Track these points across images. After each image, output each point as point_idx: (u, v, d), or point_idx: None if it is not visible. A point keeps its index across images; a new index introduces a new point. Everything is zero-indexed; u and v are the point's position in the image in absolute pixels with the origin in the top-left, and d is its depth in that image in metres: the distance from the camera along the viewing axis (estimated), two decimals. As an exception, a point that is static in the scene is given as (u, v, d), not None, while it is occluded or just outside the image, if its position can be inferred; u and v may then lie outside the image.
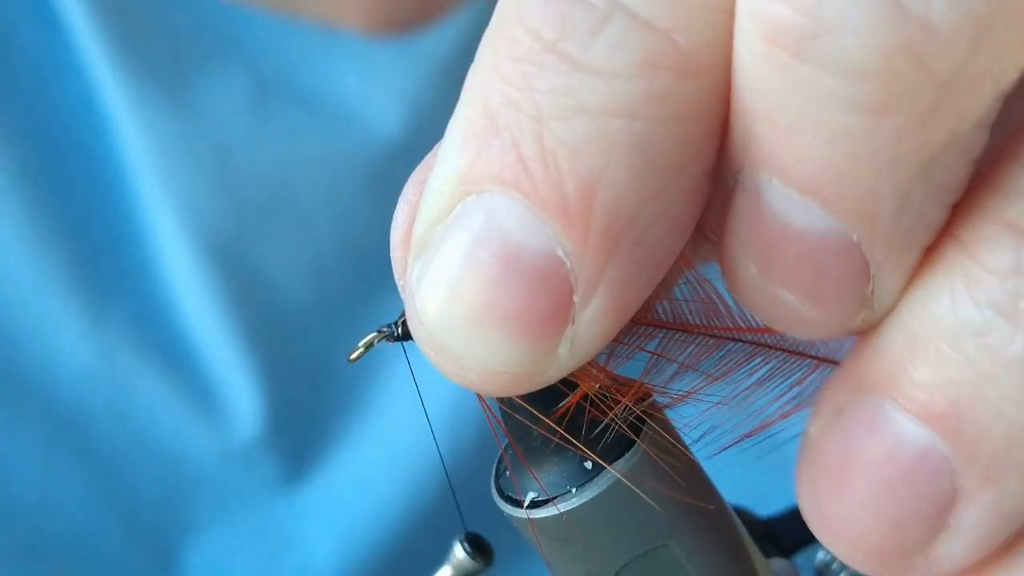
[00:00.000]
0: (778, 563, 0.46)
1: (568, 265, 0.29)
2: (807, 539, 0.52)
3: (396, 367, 0.70)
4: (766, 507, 0.51)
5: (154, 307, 0.71)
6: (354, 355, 0.40)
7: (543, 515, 0.38)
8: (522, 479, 0.38)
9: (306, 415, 0.74)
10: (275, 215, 0.72)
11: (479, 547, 0.43)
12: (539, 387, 0.32)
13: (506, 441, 0.39)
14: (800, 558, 0.49)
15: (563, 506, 0.38)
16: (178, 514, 0.73)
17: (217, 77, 0.71)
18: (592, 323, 0.30)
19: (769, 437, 0.38)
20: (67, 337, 0.69)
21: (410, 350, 0.39)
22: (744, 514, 0.46)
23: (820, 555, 0.46)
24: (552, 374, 0.31)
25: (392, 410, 0.72)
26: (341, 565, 0.75)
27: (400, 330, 0.39)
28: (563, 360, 0.30)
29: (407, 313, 0.31)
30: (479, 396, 0.36)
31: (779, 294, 0.30)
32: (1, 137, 0.69)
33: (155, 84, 0.70)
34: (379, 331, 0.40)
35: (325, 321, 0.72)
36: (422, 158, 0.63)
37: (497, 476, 0.41)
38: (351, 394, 0.73)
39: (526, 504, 0.39)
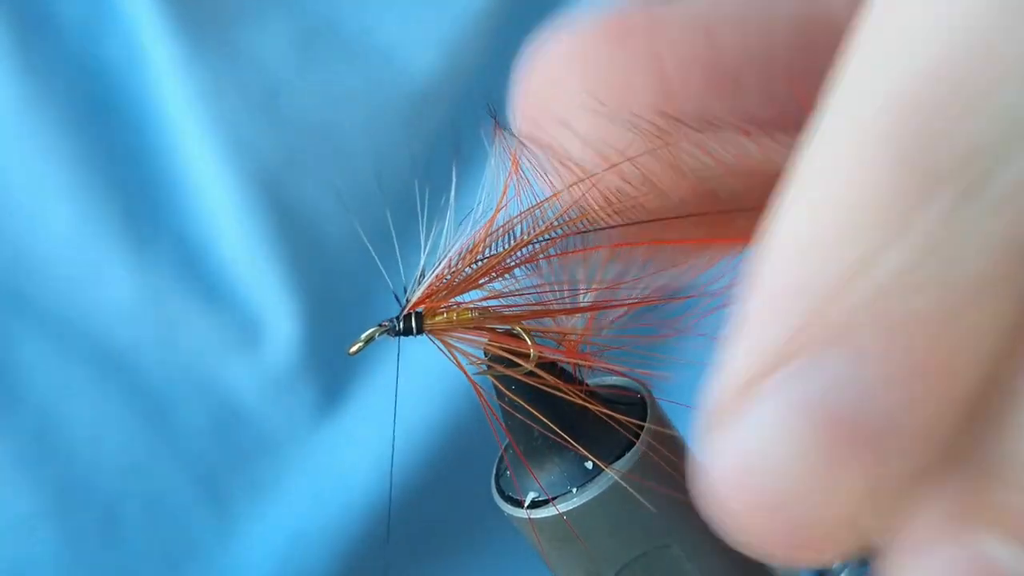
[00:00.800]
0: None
1: None
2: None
3: None
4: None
5: (198, 244, 0.74)
6: (353, 348, 0.40)
7: (544, 515, 0.38)
8: (523, 479, 0.39)
9: (344, 344, 0.76)
10: (316, 153, 0.75)
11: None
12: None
13: (506, 441, 0.39)
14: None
15: (563, 506, 0.38)
16: (224, 445, 0.75)
17: (262, 24, 0.74)
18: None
19: None
20: (115, 275, 0.72)
21: (405, 344, 0.40)
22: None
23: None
24: None
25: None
26: (378, 488, 0.77)
27: (401, 325, 0.40)
28: None
29: None
30: (480, 395, 0.36)
31: None
32: (51, 83, 0.72)
33: (203, 32, 0.73)
34: (380, 325, 0.40)
35: (363, 253, 0.75)
36: (456, 98, 0.62)
37: (498, 476, 0.41)
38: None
39: (526, 504, 0.39)
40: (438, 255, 0.39)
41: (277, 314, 0.75)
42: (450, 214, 0.39)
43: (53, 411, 0.73)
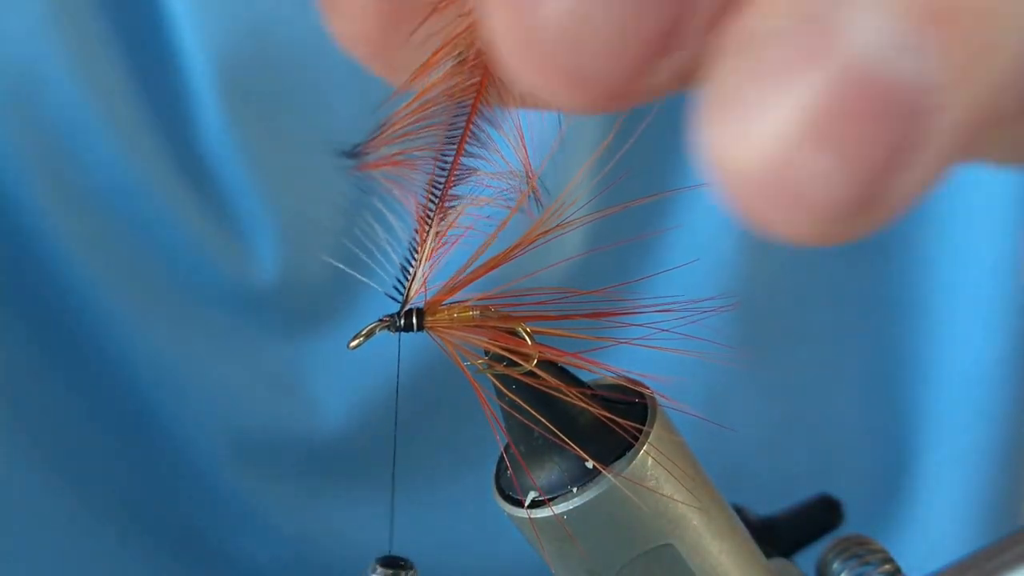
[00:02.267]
0: (778, 563, 0.46)
1: None
2: (807, 539, 0.52)
3: None
4: (766, 507, 0.51)
5: (187, 147, 0.75)
6: (354, 343, 0.40)
7: (544, 515, 0.38)
8: (522, 479, 0.39)
9: (322, 271, 0.77)
10: (304, 77, 0.75)
11: (395, 566, 0.42)
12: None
13: (506, 442, 0.39)
14: (800, 558, 0.49)
15: (564, 506, 0.38)
16: (187, 340, 0.77)
17: None
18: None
19: None
20: (107, 156, 0.73)
21: (403, 340, 0.40)
22: (744, 514, 0.46)
23: (820, 555, 0.46)
24: None
25: None
26: (345, 418, 0.77)
27: (401, 321, 0.40)
28: None
29: None
30: (481, 399, 0.36)
31: None
32: None
33: None
34: (380, 320, 0.40)
35: (347, 179, 0.76)
36: None
37: (498, 476, 0.41)
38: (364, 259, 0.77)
39: (527, 504, 0.39)
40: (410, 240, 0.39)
41: (257, 233, 0.75)
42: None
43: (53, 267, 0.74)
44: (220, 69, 0.74)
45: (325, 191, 0.76)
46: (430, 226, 0.38)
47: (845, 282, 0.86)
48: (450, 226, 0.38)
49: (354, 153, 0.37)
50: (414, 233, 0.39)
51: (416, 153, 0.37)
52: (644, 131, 0.44)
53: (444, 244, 0.39)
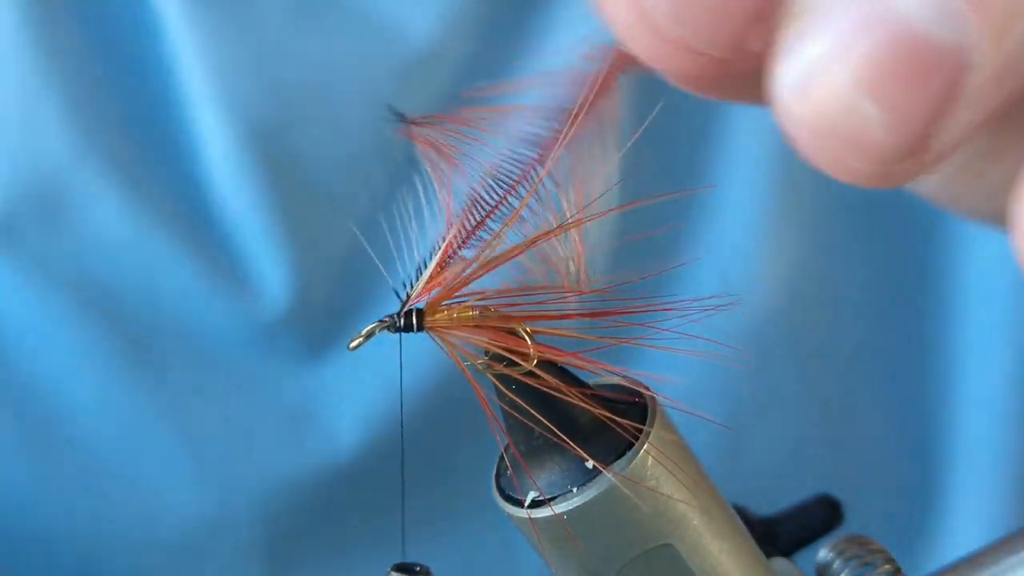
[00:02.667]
0: (778, 563, 0.46)
1: None
2: (807, 539, 0.52)
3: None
4: (766, 507, 0.51)
5: (191, 189, 0.75)
6: (354, 343, 0.40)
7: (545, 515, 0.38)
8: (522, 479, 0.39)
9: (331, 298, 0.77)
10: (312, 109, 0.75)
11: (410, 572, 0.42)
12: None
13: (506, 442, 0.39)
14: (800, 558, 0.49)
15: (564, 506, 0.38)
16: (200, 384, 0.76)
17: None
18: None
19: None
20: (105, 209, 0.73)
21: (404, 340, 0.40)
22: (744, 514, 0.46)
23: (820, 555, 0.46)
24: None
25: None
26: (362, 442, 0.77)
27: (401, 321, 0.40)
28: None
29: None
30: (481, 398, 0.36)
31: None
32: (50, 24, 0.72)
33: None
34: (381, 321, 0.40)
35: (354, 208, 0.75)
36: (452, 62, 0.67)
37: (498, 475, 0.41)
38: (375, 280, 0.76)
39: (527, 503, 0.39)
40: (432, 244, 0.39)
41: (267, 261, 0.75)
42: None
43: (27, 344, 0.73)
44: (226, 104, 0.73)
45: (336, 219, 0.76)
46: (458, 244, 0.39)
47: (872, 296, 0.86)
48: (481, 253, 0.39)
49: (404, 118, 0.38)
50: (439, 240, 0.39)
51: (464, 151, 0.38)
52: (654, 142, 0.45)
53: (462, 261, 0.39)
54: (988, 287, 0.85)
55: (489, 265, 0.39)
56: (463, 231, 0.39)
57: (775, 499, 0.52)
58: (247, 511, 0.77)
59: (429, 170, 0.39)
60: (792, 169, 0.80)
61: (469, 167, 0.39)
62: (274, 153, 0.74)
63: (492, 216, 0.38)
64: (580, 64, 0.38)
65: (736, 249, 0.80)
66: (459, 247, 0.39)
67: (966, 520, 0.86)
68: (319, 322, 0.77)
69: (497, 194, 0.38)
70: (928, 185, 0.47)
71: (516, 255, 0.39)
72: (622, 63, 0.37)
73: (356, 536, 0.79)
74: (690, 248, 0.79)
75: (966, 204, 0.47)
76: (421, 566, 0.41)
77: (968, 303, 0.85)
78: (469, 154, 0.38)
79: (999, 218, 0.34)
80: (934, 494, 0.87)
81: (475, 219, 0.39)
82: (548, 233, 0.39)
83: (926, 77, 0.30)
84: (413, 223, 0.39)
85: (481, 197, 0.38)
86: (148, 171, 0.74)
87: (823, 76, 0.30)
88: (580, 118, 0.38)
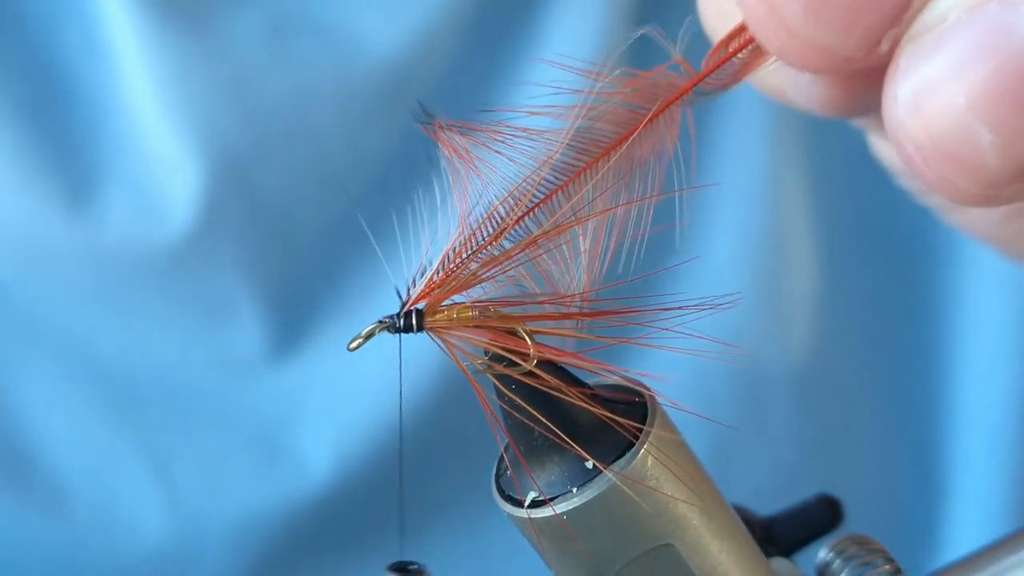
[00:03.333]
0: (779, 563, 0.46)
1: None
2: (807, 539, 0.52)
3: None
4: (766, 507, 0.51)
5: (159, 225, 0.74)
6: (353, 344, 0.40)
7: (544, 515, 0.38)
8: (522, 479, 0.39)
9: (306, 331, 0.77)
10: (288, 138, 0.74)
11: (405, 571, 0.42)
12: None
13: (506, 441, 0.39)
14: (800, 558, 0.49)
15: (564, 506, 0.38)
16: (171, 416, 0.75)
17: (236, 10, 0.73)
18: None
19: None
20: (68, 261, 0.72)
21: (403, 341, 0.40)
22: (744, 514, 0.46)
23: (820, 555, 0.46)
24: None
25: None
26: (337, 473, 0.77)
27: (401, 322, 0.40)
28: None
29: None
30: (481, 397, 0.36)
31: None
32: (6, 65, 0.71)
33: (176, 16, 0.72)
34: (380, 321, 0.40)
35: (329, 240, 0.75)
36: (429, 87, 0.65)
37: (498, 476, 0.41)
38: (353, 316, 0.76)
39: (527, 504, 0.39)
40: (433, 249, 0.39)
41: (240, 300, 0.75)
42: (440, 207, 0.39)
43: None
44: (197, 131, 0.73)
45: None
46: (466, 253, 0.39)
47: (876, 318, 0.86)
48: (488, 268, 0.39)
49: (430, 116, 0.38)
50: (452, 245, 0.39)
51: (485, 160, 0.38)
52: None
53: (470, 273, 0.39)
54: (991, 307, 0.85)
55: (489, 265, 0.39)
56: (473, 242, 0.39)
57: (775, 499, 0.52)
58: (219, 543, 0.76)
59: (448, 173, 0.39)
60: (793, 185, 0.80)
61: (488, 177, 0.39)
62: (247, 186, 0.74)
63: (505, 235, 0.38)
64: (641, 90, 0.38)
65: (751, 268, 0.80)
66: (468, 258, 0.39)
67: (966, 520, 0.86)
68: (295, 362, 0.77)
69: (515, 213, 0.38)
70: (988, 221, 0.48)
71: (516, 255, 0.39)
72: (688, 92, 0.38)
73: (333, 568, 0.79)
74: (690, 249, 0.79)
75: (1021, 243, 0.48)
76: (417, 564, 0.41)
77: (968, 313, 0.86)
78: (491, 164, 0.39)
79: None
80: (934, 494, 0.87)
81: (488, 233, 0.39)
82: (548, 233, 0.39)
83: None
84: (399, 237, 0.39)
85: (498, 212, 0.39)
86: (111, 213, 0.73)
87: (937, 94, 0.31)
88: (635, 141, 0.38)
